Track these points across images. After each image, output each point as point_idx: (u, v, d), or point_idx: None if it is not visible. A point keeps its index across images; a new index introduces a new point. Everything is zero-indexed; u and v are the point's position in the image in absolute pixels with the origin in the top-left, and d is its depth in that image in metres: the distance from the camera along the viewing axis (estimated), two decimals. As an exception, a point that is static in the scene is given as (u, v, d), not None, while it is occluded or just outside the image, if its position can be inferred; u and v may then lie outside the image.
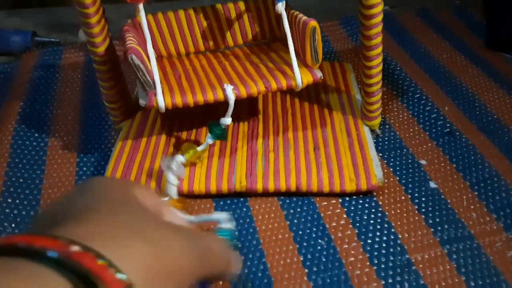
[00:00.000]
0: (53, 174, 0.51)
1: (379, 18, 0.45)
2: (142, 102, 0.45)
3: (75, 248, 0.19)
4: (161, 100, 0.44)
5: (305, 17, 0.45)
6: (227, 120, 0.46)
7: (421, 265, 0.40)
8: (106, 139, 0.56)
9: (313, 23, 0.44)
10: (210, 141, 0.47)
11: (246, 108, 0.56)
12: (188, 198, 0.48)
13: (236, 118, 0.54)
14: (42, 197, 0.49)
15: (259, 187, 0.46)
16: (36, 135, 0.57)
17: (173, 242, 0.22)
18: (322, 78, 0.46)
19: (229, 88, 0.45)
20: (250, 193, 0.47)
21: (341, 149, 0.49)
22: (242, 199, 0.47)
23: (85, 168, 0.52)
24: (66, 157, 0.54)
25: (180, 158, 0.45)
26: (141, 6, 0.44)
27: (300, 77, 0.45)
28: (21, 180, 0.51)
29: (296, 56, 0.46)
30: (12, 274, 0.17)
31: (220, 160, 0.49)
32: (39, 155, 0.54)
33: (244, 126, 0.53)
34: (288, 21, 0.46)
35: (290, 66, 0.48)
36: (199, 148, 0.47)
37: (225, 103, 0.45)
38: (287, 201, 0.47)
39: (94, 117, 0.59)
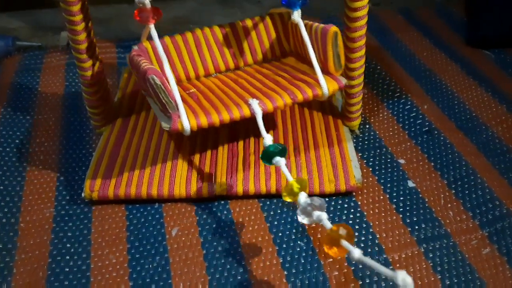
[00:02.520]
0: (33, 180, 0.51)
1: (364, 21, 0.45)
2: (165, 126, 0.42)
3: None
4: (186, 122, 0.41)
5: (322, 25, 0.44)
6: (268, 138, 0.42)
7: (398, 265, 0.41)
8: (88, 143, 0.56)
9: (334, 28, 0.43)
10: (283, 162, 0.41)
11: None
12: (168, 202, 0.48)
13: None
14: (22, 204, 0.49)
15: (239, 190, 0.47)
16: (17, 141, 0.57)
17: None
18: (348, 84, 0.45)
19: (254, 103, 0.43)
20: (231, 196, 0.47)
21: (321, 150, 0.50)
22: (222, 202, 0.47)
23: (66, 174, 0.52)
24: (47, 163, 0.54)
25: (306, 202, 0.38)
26: (152, 26, 0.42)
27: (326, 85, 0.45)
28: (1, 187, 0.50)
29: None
30: None
31: (200, 163, 0.49)
32: (20, 161, 0.54)
33: (224, 129, 0.54)
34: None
35: (309, 75, 0.47)
36: (289, 179, 0.40)
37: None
38: (268, 203, 0.47)
39: (76, 122, 0.59)
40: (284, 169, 0.41)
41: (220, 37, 0.53)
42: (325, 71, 0.46)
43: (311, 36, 0.46)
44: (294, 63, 0.52)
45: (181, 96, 0.45)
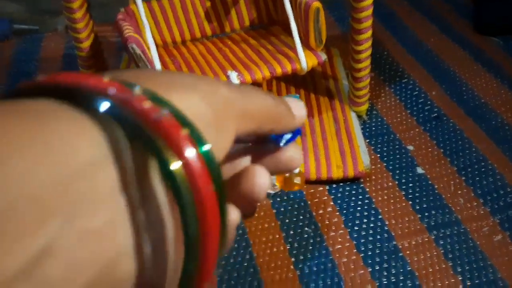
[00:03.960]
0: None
1: (370, 0, 0.44)
2: None
3: (136, 92, 0.15)
4: None
5: None
6: None
7: (408, 252, 0.40)
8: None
9: (316, 3, 0.43)
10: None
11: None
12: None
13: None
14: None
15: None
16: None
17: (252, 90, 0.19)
18: (327, 60, 0.46)
19: (233, 75, 0.43)
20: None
21: (328, 136, 0.49)
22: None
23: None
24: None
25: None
26: None
27: (305, 60, 0.44)
28: None
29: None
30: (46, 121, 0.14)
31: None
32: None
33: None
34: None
35: (292, 49, 0.46)
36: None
37: None
38: (274, 189, 0.46)
39: (76, 106, 0.58)
40: None
41: (207, 3, 0.52)
42: (307, 46, 0.46)
43: (295, 10, 0.46)
44: (281, 34, 0.52)
45: (163, 62, 0.45)
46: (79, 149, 0.14)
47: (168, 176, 0.15)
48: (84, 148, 0.14)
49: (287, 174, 0.37)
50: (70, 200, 0.14)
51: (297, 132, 0.23)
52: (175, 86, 0.17)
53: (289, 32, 0.50)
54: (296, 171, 0.38)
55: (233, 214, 0.20)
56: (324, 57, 0.45)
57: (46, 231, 0.13)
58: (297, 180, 0.37)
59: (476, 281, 0.37)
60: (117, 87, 0.15)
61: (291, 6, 0.46)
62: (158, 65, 0.42)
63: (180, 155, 0.14)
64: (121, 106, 0.15)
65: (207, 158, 0.15)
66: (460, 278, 0.38)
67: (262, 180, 0.20)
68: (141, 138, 0.15)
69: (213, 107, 0.17)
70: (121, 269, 0.15)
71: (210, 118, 0.16)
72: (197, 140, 0.15)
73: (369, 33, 0.47)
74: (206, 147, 0.15)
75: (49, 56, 0.66)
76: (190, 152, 0.15)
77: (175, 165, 0.14)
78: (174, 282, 0.16)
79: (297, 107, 0.23)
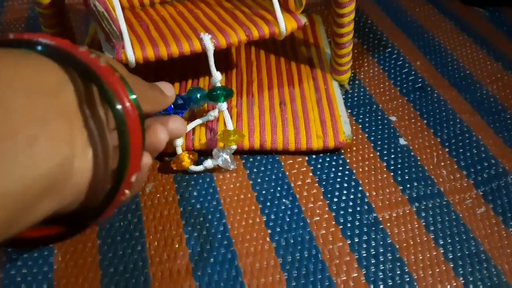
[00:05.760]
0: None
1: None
2: (108, 56, 0.40)
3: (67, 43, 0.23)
4: (131, 53, 0.38)
5: None
6: (217, 76, 0.41)
7: (388, 224, 0.38)
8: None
9: None
10: (224, 106, 0.42)
11: (206, 59, 0.51)
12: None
13: (195, 70, 0.50)
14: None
15: (220, 144, 0.43)
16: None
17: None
18: (307, 24, 0.43)
19: (206, 37, 0.40)
20: (210, 151, 0.44)
21: (309, 105, 0.46)
22: (202, 158, 0.44)
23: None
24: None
25: (224, 156, 0.41)
26: None
27: (284, 24, 0.42)
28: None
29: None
30: (7, 59, 0.21)
31: (178, 116, 0.45)
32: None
33: (205, 80, 0.49)
34: None
35: (269, 12, 0.44)
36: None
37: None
38: (250, 159, 0.44)
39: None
40: (226, 114, 0.42)
41: None
42: (285, 8, 0.43)
43: None
44: None
45: (130, 25, 0.42)
46: (48, 75, 0.21)
47: (113, 110, 0.23)
48: (51, 75, 0.21)
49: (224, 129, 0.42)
50: (40, 111, 0.20)
51: (184, 109, 0.41)
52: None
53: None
54: (231, 128, 0.42)
55: (147, 158, 0.28)
56: (304, 20, 0.43)
57: (29, 128, 0.20)
58: (233, 137, 0.41)
59: (459, 254, 0.36)
60: (68, 44, 0.23)
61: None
62: (123, 25, 0.38)
63: (119, 97, 0.23)
64: (75, 56, 0.22)
65: (135, 103, 0.23)
66: (442, 251, 0.36)
67: (163, 136, 0.29)
68: (90, 78, 0.23)
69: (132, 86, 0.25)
70: (76, 165, 0.21)
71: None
72: (128, 90, 0.23)
73: (353, -5, 0.44)
74: (134, 96, 0.24)
75: (12, 16, 0.62)
76: (126, 96, 0.23)
77: (117, 103, 0.23)
78: (109, 178, 0.24)
79: (167, 88, 0.33)
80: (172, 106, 0.42)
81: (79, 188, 0.22)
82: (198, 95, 0.43)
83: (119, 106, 0.22)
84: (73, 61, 0.22)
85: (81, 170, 0.22)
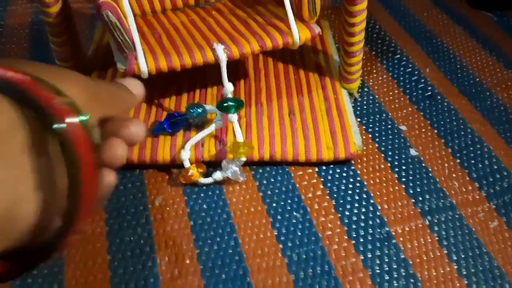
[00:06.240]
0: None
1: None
2: (121, 67, 0.38)
3: (13, 73, 0.21)
4: (144, 64, 0.38)
5: None
6: (229, 87, 0.41)
7: (401, 238, 0.38)
8: (60, 102, 0.50)
9: None
10: (234, 118, 0.41)
11: (215, 68, 0.51)
12: (150, 168, 0.43)
13: (203, 78, 0.50)
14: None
15: (229, 156, 0.43)
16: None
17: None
18: (321, 33, 0.42)
19: (219, 48, 0.39)
20: (219, 162, 0.43)
21: (318, 115, 0.46)
22: (211, 169, 0.43)
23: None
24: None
25: (234, 168, 0.41)
26: None
27: (298, 33, 0.41)
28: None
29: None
30: None
31: (186, 126, 0.45)
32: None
33: (213, 90, 0.49)
34: None
35: (282, 20, 0.43)
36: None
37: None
38: (260, 170, 0.43)
39: (46, 78, 0.53)
40: (236, 126, 0.41)
41: None
42: (299, 17, 0.43)
43: None
44: (269, 3, 0.48)
45: (142, 34, 0.41)
46: None
47: (60, 140, 0.21)
48: (1, 115, 0.20)
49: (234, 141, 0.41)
50: None
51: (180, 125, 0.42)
52: (63, 78, 0.23)
53: (278, 2, 0.47)
54: (241, 139, 0.41)
55: (108, 177, 0.26)
56: (318, 30, 0.42)
57: None
58: (242, 149, 0.40)
59: (472, 270, 0.36)
60: (15, 75, 0.21)
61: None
62: (136, 36, 0.38)
63: (63, 121, 0.20)
64: (22, 89, 0.21)
65: (84, 124, 0.21)
66: (455, 267, 0.36)
67: (120, 151, 0.26)
68: (38, 112, 0.21)
69: (87, 95, 0.23)
70: (21, 210, 0.20)
71: (85, 101, 0.23)
72: (76, 111, 0.21)
73: (364, 4, 0.43)
74: (83, 117, 0.21)
75: (16, 20, 0.61)
76: (72, 119, 0.21)
77: (61, 127, 0.21)
78: (59, 221, 0.22)
79: (135, 86, 0.30)
80: (168, 122, 0.42)
81: (27, 230, 0.22)
82: (194, 113, 0.43)
83: (71, 153, 0.21)
84: (25, 99, 0.21)
85: (27, 214, 0.21)
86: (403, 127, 0.48)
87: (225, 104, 0.41)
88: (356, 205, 0.40)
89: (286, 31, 0.42)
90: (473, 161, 0.44)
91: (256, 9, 0.47)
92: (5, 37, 0.58)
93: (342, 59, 0.48)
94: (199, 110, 0.43)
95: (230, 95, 0.42)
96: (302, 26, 0.42)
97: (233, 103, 0.41)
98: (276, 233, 0.38)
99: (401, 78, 0.53)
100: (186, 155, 0.41)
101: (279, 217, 0.40)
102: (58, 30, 0.44)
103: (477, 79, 0.53)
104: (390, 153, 0.45)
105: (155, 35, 0.43)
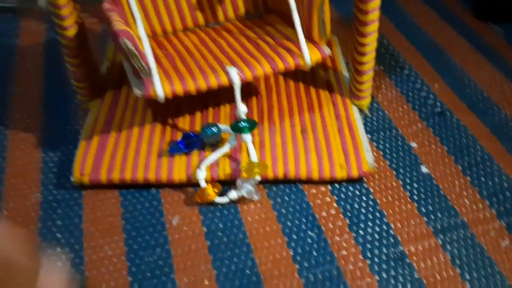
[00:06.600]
0: (16, 161, 0.47)
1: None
2: (137, 92, 0.39)
3: None
4: (160, 89, 0.39)
5: None
6: (243, 108, 0.42)
7: (415, 257, 0.39)
8: (73, 119, 0.51)
9: None
10: (248, 138, 0.42)
11: (228, 87, 0.52)
12: (167, 187, 0.44)
13: (216, 98, 0.50)
14: (5, 189, 0.44)
15: (243, 175, 0.43)
16: (-6, 116, 0.51)
17: None
18: (331, 54, 0.43)
19: (233, 71, 0.40)
20: (234, 181, 0.44)
21: (330, 133, 0.47)
22: (225, 187, 0.44)
23: (51, 154, 0.47)
24: (30, 141, 0.49)
25: (249, 187, 0.42)
26: None
27: (309, 55, 0.42)
28: (-20, 169, 0.46)
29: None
30: None
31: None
32: (-1, 139, 0.49)
33: (226, 108, 0.49)
34: None
35: (292, 42, 0.44)
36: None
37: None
38: (274, 188, 0.44)
39: (59, 95, 0.54)
40: (250, 146, 0.42)
41: None
42: (309, 38, 0.43)
43: None
44: (278, 23, 0.48)
45: (156, 57, 0.42)
46: None
47: None
48: None
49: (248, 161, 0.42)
50: None
51: (195, 146, 0.44)
52: None
53: (287, 22, 0.48)
54: (255, 159, 0.42)
55: None
56: (328, 51, 0.43)
57: None
58: (257, 169, 0.41)
59: (485, 290, 0.37)
60: None
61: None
62: (152, 62, 0.38)
63: None
64: None
65: None
66: (468, 286, 0.37)
67: None
68: None
69: None
70: None
71: None
72: None
73: (375, 25, 0.44)
74: None
75: (29, 37, 0.62)
76: None
77: None
78: None
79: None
80: (184, 143, 0.43)
81: None
82: (209, 132, 0.43)
83: None
84: None
85: None
86: (414, 144, 0.48)
87: (239, 125, 0.42)
88: (370, 224, 0.41)
89: (297, 53, 0.42)
90: (483, 179, 0.45)
91: (265, 29, 0.48)
92: (19, 56, 0.59)
93: (353, 77, 0.49)
94: (214, 130, 0.44)
95: (244, 116, 0.42)
96: (313, 47, 0.43)
97: (247, 124, 0.42)
98: (292, 253, 0.39)
99: (410, 94, 0.54)
100: (202, 175, 0.42)
101: (294, 236, 0.40)
102: (75, 52, 0.45)
103: (485, 94, 0.54)
104: (401, 170, 0.46)
105: (168, 58, 0.44)
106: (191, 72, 0.41)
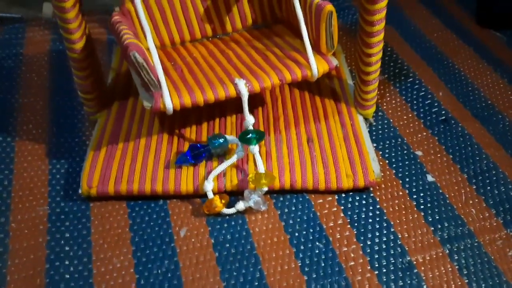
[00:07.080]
0: (23, 173, 0.47)
1: (384, 2, 0.42)
2: (147, 104, 0.39)
3: None
4: (169, 102, 0.39)
5: (317, 0, 0.41)
6: (250, 119, 0.42)
7: (422, 267, 0.39)
8: (80, 131, 0.52)
9: (329, 7, 0.40)
10: (255, 149, 0.43)
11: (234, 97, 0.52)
12: (174, 198, 0.44)
13: (222, 109, 0.51)
14: (12, 201, 0.44)
15: (251, 186, 0.44)
16: (1, 127, 0.52)
17: None
18: (338, 66, 0.44)
19: (241, 83, 0.41)
20: (242, 191, 0.44)
21: (336, 142, 0.47)
22: (233, 198, 0.44)
23: (58, 166, 0.48)
24: (37, 153, 0.49)
25: (256, 197, 0.42)
26: None
27: (316, 67, 0.42)
28: (-12, 181, 0.46)
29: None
30: None
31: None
32: (6, 151, 0.49)
33: (232, 118, 0.50)
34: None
35: (300, 53, 0.44)
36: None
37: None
38: (281, 198, 0.44)
39: (66, 106, 0.54)
40: (258, 157, 0.42)
41: (208, 0, 0.48)
42: (317, 50, 0.44)
43: (305, 11, 0.43)
44: (286, 34, 0.49)
45: (164, 69, 0.42)
46: None
47: None
48: None
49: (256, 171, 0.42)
50: None
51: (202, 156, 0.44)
52: None
53: (294, 33, 0.48)
54: (262, 170, 0.42)
55: None
56: (335, 62, 0.43)
57: None
58: (264, 180, 0.42)
59: (493, 300, 0.37)
60: None
61: (301, 6, 0.43)
62: (162, 76, 0.39)
63: None
64: None
65: None
66: (476, 296, 0.37)
67: None
68: None
69: None
70: None
71: None
72: None
73: (381, 35, 0.44)
74: None
75: (35, 47, 0.62)
76: None
77: None
78: None
79: None
80: (192, 154, 0.43)
81: None
82: (217, 143, 0.44)
83: None
84: None
85: None
86: (419, 153, 0.48)
87: (247, 137, 0.42)
88: (377, 234, 0.41)
89: (304, 64, 0.43)
90: (489, 188, 0.45)
91: (273, 40, 0.48)
92: (25, 66, 0.59)
93: (358, 86, 0.49)
94: (221, 141, 0.44)
95: (251, 127, 0.43)
96: (320, 59, 0.43)
97: (254, 135, 0.42)
98: (300, 264, 0.39)
99: (415, 102, 0.54)
100: (209, 186, 0.42)
101: (302, 247, 0.40)
102: (82, 65, 0.45)
103: (489, 102, 0.54)
104: (407, 179, 0.46)
105: (177, 70, 0.44)
106: (199, 84, 0.42)
